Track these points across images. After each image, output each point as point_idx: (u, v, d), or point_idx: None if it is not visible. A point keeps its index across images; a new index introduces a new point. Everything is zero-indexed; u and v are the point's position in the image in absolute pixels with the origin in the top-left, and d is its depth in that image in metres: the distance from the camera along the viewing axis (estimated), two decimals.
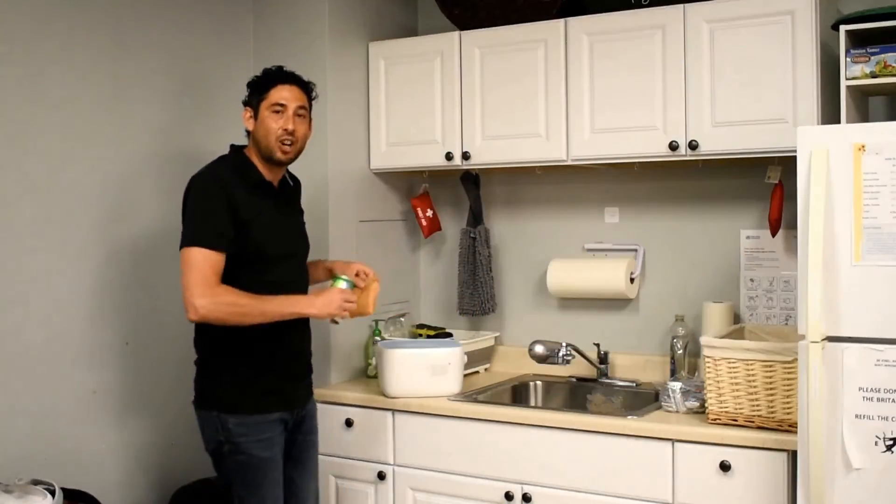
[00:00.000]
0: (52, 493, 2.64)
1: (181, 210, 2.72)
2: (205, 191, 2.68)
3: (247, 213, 2.67)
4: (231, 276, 2.63)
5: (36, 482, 2.69)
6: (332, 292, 2.79)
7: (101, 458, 3.13)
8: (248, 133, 2.81)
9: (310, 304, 2.75)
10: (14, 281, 2.89)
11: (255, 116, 2.78)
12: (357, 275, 2.92)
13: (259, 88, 2.79)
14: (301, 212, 2.99)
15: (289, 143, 2.76)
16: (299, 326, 2.83)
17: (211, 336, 2.71)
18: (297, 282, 2.87)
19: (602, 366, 3.47)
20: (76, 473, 3.02)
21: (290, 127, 2.76)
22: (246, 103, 2.82)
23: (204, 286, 2.57)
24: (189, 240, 2.62)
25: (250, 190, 2.72)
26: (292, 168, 2.92)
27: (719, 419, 2.80)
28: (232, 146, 2.84)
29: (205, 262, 2.58)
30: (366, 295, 2.90)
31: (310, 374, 2.93)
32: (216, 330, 2.66)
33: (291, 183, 2.93)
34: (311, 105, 2.86)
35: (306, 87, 2.84)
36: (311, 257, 3.50)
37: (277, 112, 2.75)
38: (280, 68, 2.83)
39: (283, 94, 2.77)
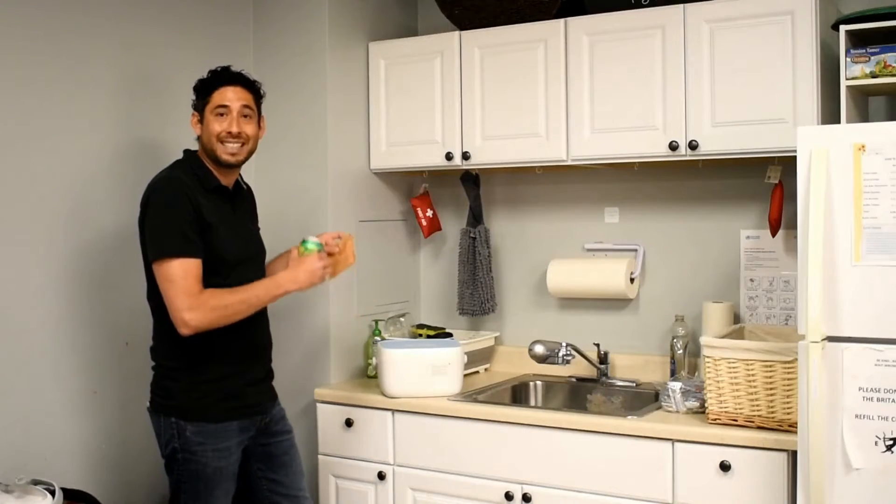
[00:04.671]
0: (52, 493, 2.64)
1: (139, 216, 2.66)
2: (169, 197, 2.61)
3: (209, 217, 2.63)
4: None
5: (36, 482, 2.69)
6: (310, 261, 2.72)
7: (101, 458, 3.13)
8: (198, 138, 2.76)
9: (293, 281, 2.69)
10: (8, 282, 2.89)
11: (202, 121, 2.73)
12: (326, 244, 2.84)
13: (203, 91, 2.73)
14: (256, 218, 2.95)
15: (236, 144, 2.71)
16: (259, 329, 2.79)
17: (169, 342, 2.67)
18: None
19: (602, 366, 3.47)
20: (76, 473, 3.03)
21: (235, 129, 2.70)
22: (193, 108, 2.77)
23: (189, 298, 2.54)
24: (163, 251, 2.56)
25: (208, 195, 2.68)
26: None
27: (719, 419, 2.80)
28: (186, 151, 2.79)
29: (184, 272, 2.55)
30: (345, 249, 2.83)
31: (271, 378, 2.89)
32: (173, 336, 2.62)
33: (245, 187, 2.89)
34: (259, 104, 2.80)
35: (252, 87, 2.78)
36: None
37: (221, 115, 2.70)
38: (226, 69, 2.76)
39: (227, 95, 2.70)
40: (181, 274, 2.55)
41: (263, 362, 2.86)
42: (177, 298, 2.54)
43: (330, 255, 2.82)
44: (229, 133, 2.70)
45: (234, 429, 2.71)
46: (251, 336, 2.76)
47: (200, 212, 2.61)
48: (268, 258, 2.95)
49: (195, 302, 2.54)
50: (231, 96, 2.71)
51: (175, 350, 2.66)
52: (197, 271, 2.57)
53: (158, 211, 2.61)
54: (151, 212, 2.63)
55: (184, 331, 2.56)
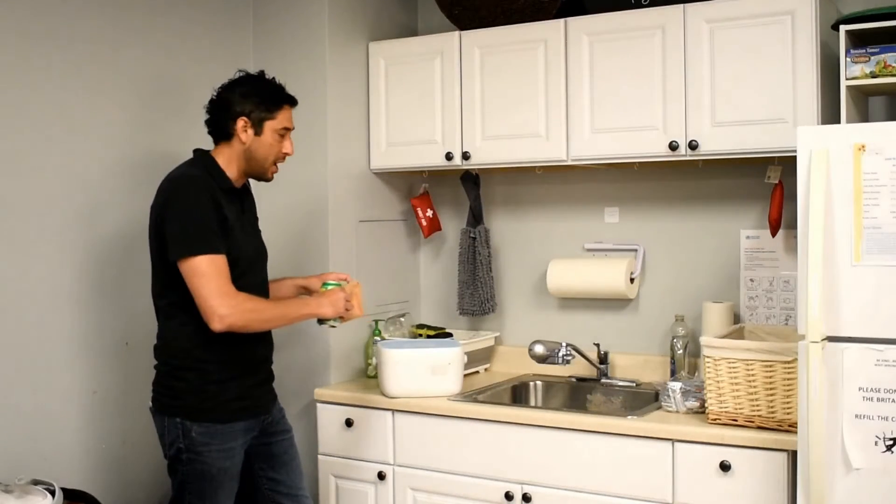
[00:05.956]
0: (52, 493, 2.64)
1: (156, 212, 2.65)
2: (193, 194, 2.60)
3: (226, 217, 2.63)
4: None
5: (36, 482, 2.69)
6: (335, 292, 2.81)
7: (101, 458, 3.13)
8: (229, 140, 2.72)
9: (319, 305, 2.77)
10: (9, 282, 2.89)
11: (258, 132, 2.72)
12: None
13: (267, 105, 2.72)
14: (257, 218, 2.95)
15: (280, 163, 2.80)
16: (266, 333, 2.81)
17: (177, 342, 2.67)
18: (262, 286, 2.84)
19: (602, 366, 3.47)
20: (76, 473, 3.03)
21: (292, 151, 2.80)
22: (245, 113, 2.71)
23: (224, 295, 2.54)
24: (192, 248, 2.55)
25: (224, 196, 2.68)
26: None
27: (719, 419, 2.80)
28: (197, 151, 2.78)
29: (216, 268, 2.54)
30: (353, 299, 2.88)
31: (272, 379, 2.90)
32: (181, 336, 2.64)
33: (248, 188, 2.90)
34: None
35: (295, 106, 2.84)
36: (306, 259, 3.51)
37: (282, 136, 2.76)
38: (283, 86, 2.79)
39: (289, 116, 2.78)
40: (213, 270, 2.54)
41: (267, 365, 2.87)
42: (210, 294, 2.53)
43: None
44: (286, 155, 2.79)
45: (240, 429, 2.71)
46: (259, 341, 2.77)
47: (221, 211, 2.62)
48: (268, 260, 2.96)
49: (232, 300, 2.55)
50: (291, 117, 2.80)
51: (183, 350, 2.66)
52: (227, 268, 2.58)
53: (184, 208, 2.59)
54: (175, 209, 2.60)
55: (216, 326, 2.54)
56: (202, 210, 2.58)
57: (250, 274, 2.74)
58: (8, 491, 2.59)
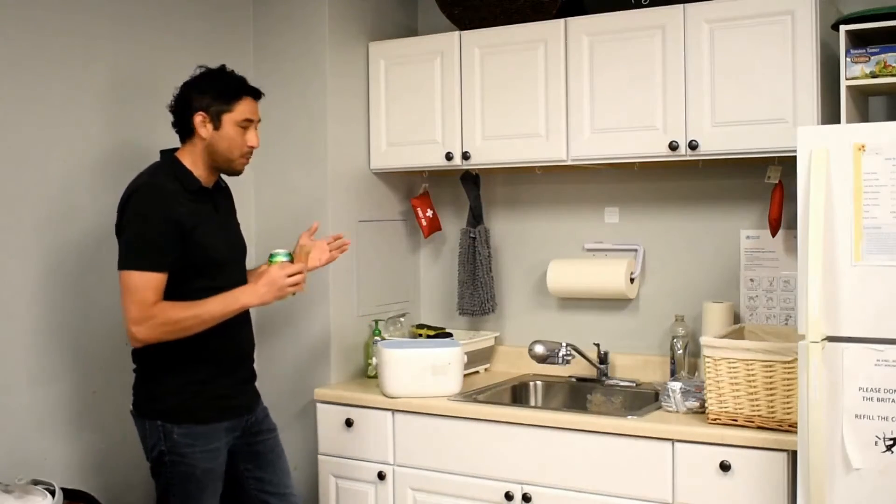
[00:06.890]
0: (52, 493, 2.64)
1: (116, 221, 2.63)
2: (146, 207, 2.57)
3: (190, 222, 2.59)
4: (181, 285, 2.58)
5: (36, 482, 2.69)
6: (272, 273, 2.66)
7: (101, 458, 3.13)
8: (193, 137, 2.68)
9: (253, 294, 2.64)
10: (8, 282, 2.89)
11: (217, 126, 2.68)
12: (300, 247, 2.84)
13: (224, 98, 2.67)
14: (235, 213, 2.92)
15: (249, 156, 2.74)
16: (242, 330, 2.78)
17: (153, 344, 2.62)
18: (241, 284, 2.79)
19: (602, 366, 3.48)
20: (76, 473, 3.03)
21: (257, 144, 2.73)
22: (203, 108, 2.65)
23: (140, 311, 2.51)
24: (128, 262, 2.55)
25: (191, 198, 2.64)
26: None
27: (719, 419, 2.80)
28: (164, 152, 2.74)
29: (144, 285, 2.52)
30: (302, 260, 2.82)
31: (254, 378, 2.87)
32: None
33: (222, 184, 2.86)
34: None
35: (260, 99, 2.79)
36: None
37: (244, 127, 2.70)
38: (244, 78, 2.74)
39: (251, 107, 2.71)
40: (139, 285, 2.52)
41: (248, 364, 2.84)
42: (129, 310, 2.53)
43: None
44: (251, 147, 2.72)
45: (223, 429, 2.70)
46: (237, 339, 2.75)
47: (181, 220, 2.58)
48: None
49: (145, 315, 2.52)
50: (253, 109, 2.72)
51: (160, 352, 2.63)
52: (157, 284, 2.54)
53: (134, 221, 2.58)
54: (127, 220, 2.59)
55: (132, 343, 2.56)
56: (150, 225, 2.55)
57: (223, 275, 2.70)
58: (8, 491, 2.60)
